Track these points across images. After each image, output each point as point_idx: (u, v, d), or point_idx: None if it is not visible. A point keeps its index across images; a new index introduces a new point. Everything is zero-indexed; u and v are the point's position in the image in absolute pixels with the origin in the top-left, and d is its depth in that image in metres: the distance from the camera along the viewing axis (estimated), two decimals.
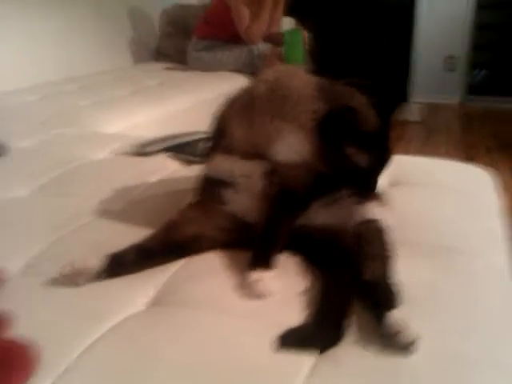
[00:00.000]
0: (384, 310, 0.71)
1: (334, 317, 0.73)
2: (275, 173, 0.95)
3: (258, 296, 0.80)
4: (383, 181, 1.29)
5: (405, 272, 0.85)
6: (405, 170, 1.41)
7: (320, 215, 0.94)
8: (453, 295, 0.82)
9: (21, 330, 0.71)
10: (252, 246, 0.89)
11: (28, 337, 0.69)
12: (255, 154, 0.96)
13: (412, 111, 4.28)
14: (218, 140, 1.04)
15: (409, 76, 4.50)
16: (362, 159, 0.88)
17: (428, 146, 3.55)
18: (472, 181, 1.41)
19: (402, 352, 0.66)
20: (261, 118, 0.93)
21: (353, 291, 0.78)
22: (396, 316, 0.70)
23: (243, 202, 0.96)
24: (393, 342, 0.67)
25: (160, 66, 3.48)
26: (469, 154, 3.37)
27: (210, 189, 1.01)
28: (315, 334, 0.71)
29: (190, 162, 1.45)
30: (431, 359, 0.67)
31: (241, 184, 0.97)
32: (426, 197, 1.24)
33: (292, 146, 0.92)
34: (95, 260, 0.85)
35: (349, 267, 0.83)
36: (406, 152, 3.38)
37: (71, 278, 0.82)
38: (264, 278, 0.82)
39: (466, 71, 4.74)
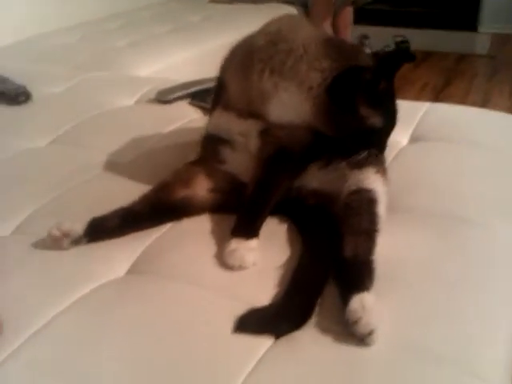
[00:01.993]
0: (352, 293, 0.67)
1: (300, 302, 0.70)
2: (270, 132, 0.90)
3: (232, 268, 0.78)
4: (403, 135, 1.22)
5: (397, 243, 0.81)
6: (434, 122, 1.31)
7: (315, 178, 0.90)
8: (440, 276, 0.77)
9: None
10: (239, 209, 0.87)
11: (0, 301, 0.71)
12: (251, 111, 0.91)
13: (479, 43, 3.94)
14: (219, 94, 1.00)
15: (479, 2, 4.09)
16: (377, 120, 0.83)
17: (492, 83, 3.27)
18: None
19: (359, 342, 0.63)
20: (258, 73, 0.88)
21: (329, 271, 0.75)
22: (363, 301, 0.66)
23: (240, 161, 0.93)
24: (351, 330, 0.64)
25: None
26: None
27: (210, 146, 0.99)
28: (275, 320, 0.69)
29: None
30: (392, 351, 0.64)
31: (238, 142, 0.94)
32: (447, 155, 1.14)
33: (290, 106, 0.87)
34: (80, 224, 0.85)
35: (333, 240, 0.79)
36: (468, 89, 3.20)
37: (57, 241, 0.83)
38: (241, 249, 0.79)
39: None
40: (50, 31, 2.43)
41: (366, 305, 0.65)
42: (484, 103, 2.94)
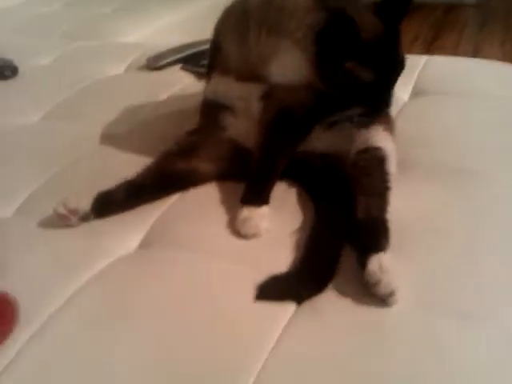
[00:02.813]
0: (369, 254, 0.66)
1: (320, 266, 0.70)
2: (272, 95, 0.88)
3: (246, 236, 0.77)
4: (404, 90, 1.19)
5: (407, 201, 0.79)
6: (435, 75, 1.29)
7: (321, 141, 0.87)
8: (452, 231, 0.76)
9: (7, 277, 0.72)
10: (247, 177, 0.85)
11: (14, 285, 0.70)
12: (251, 74, 0.88)
13: None
14: (215, 58, 0.97)
15: None
16: (365, 74, 0.78)
17: (482, 34, 3.23)
18: None
19: (382, 303, 0.63)
20: (255, 33, 0.85)
21: (344, 234, 0.74)
22: (381, 261, 0.65)
23: (242, 126, 0.91)
24: (372, 291, 0.64)
25: None
26: None
27: (210, 113, 0.96)
28: (296, 285, 0.68)
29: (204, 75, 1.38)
30: (417, 311, 0.63)
31: (239, 107, 0.91)
32: (453, 109, 1.12)
33: (290, 66, 0.84)
34: (87, 200, 0.83)
35: (345, 202, 0.78)
36: (458, 40, 3.15)
37: (64, 219, 0.81)
38: (254, 216, 0.78)
39: None
40: None
41: (384, 265, 0.64)
42: (475, 54, 2.90)
